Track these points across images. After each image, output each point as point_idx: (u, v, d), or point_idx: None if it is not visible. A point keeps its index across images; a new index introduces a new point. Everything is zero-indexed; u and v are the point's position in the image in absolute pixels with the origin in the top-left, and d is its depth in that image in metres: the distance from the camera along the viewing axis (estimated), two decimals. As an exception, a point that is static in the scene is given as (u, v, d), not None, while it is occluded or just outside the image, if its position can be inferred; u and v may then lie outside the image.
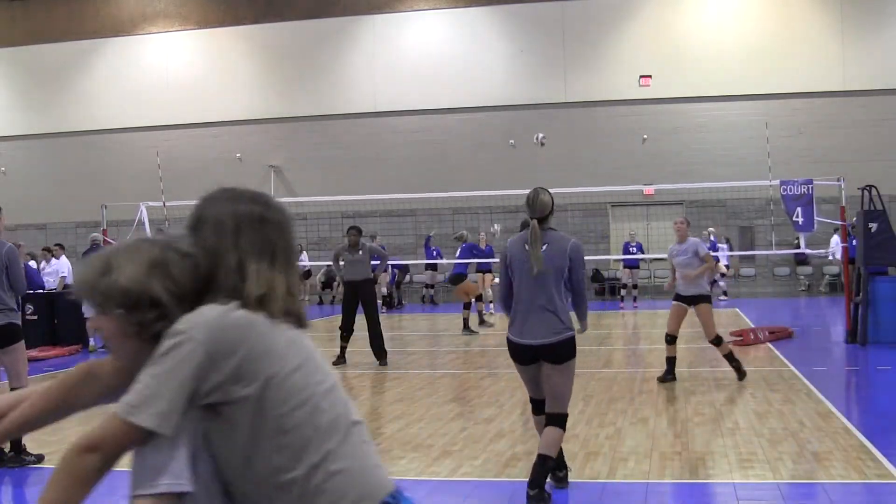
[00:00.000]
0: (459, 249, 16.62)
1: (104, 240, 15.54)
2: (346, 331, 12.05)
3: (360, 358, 12.45)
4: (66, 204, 27.53)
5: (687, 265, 9.57)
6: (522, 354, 5.45)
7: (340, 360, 12.05)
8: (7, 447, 6.61)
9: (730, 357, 9.68)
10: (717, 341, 9.62)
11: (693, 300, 9.64)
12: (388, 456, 6.68)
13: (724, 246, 21.99)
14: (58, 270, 17.98)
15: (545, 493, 5.23)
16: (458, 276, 15.78)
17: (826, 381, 9.90)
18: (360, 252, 12.01)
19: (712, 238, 20.95)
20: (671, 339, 9.77)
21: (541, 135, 21.57)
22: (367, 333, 12.01)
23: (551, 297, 5.35)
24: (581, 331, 5.67)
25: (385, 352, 12.04)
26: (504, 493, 5.68)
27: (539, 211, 5.44)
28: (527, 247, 5.38)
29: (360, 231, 12.34)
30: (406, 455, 6.67)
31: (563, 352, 5.35)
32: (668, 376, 9.66)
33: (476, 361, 12.18)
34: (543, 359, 5.37)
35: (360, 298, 11.99)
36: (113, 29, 28.09)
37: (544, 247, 5.35)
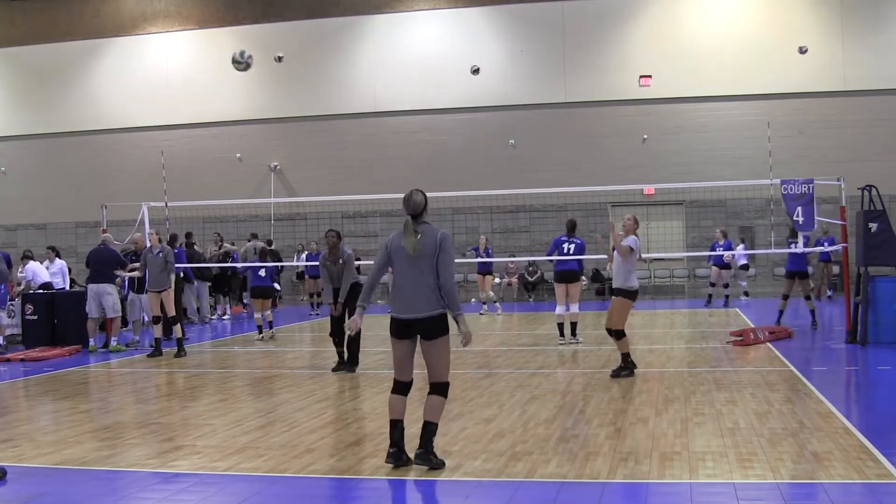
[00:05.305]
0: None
1: (113, 240, 15.42)
2: (338, 336, 11.68)
3: (360, 359, 12.43)
4: (66, 204, 27.54)
5: None
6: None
7: (341, 366, 11.58)
8: None
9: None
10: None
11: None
12: (389, 456, 6.68)
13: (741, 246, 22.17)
14: (62, 270, 17.97)
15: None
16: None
17: (826, 381, 9.90)
18: (340, 261, 11.56)
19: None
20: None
21: (279, 54, 18.45)
22: (367, 333, 11.98)
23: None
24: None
25: (357, 360, 11.59)
26: (504, 493, 5.68)
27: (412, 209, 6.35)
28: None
29: (339, 235, 11.79)
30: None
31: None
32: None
33: (476, 361, 12.17)
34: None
35: (346, 304, 11.55)
36: (113, 29, 28.09)
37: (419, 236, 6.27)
